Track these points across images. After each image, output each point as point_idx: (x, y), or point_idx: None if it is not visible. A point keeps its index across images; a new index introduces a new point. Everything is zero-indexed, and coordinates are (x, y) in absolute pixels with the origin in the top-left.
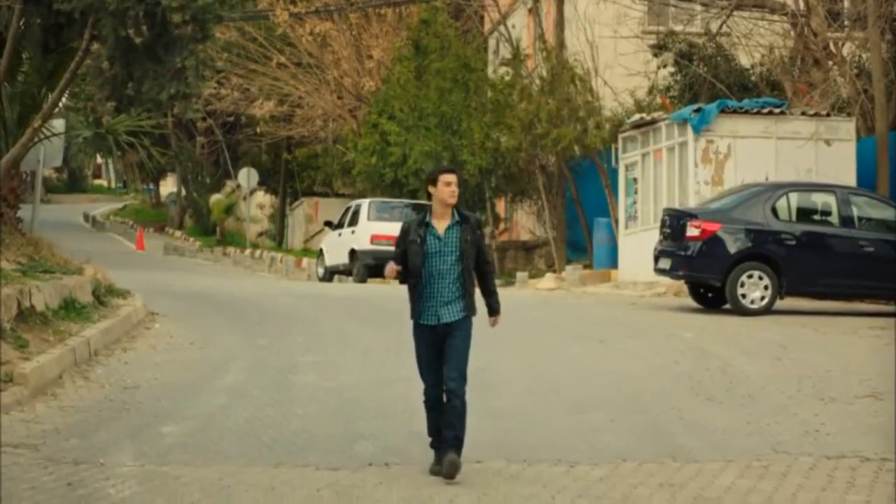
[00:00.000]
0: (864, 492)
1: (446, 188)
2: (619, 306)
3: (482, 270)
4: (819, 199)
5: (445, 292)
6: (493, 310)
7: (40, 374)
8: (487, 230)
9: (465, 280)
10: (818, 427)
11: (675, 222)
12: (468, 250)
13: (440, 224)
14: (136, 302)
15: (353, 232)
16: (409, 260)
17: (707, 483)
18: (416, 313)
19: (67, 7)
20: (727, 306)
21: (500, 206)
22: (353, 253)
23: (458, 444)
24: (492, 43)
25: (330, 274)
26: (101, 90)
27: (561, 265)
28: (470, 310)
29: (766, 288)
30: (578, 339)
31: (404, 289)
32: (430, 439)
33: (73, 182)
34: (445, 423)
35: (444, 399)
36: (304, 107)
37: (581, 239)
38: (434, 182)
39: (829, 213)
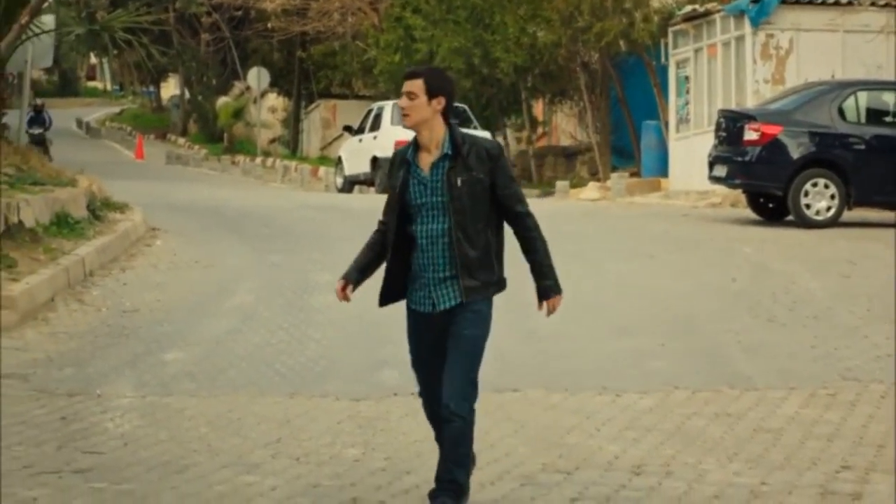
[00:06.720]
0: None
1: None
2: (669, 218)
3: (516, 228)
4: (891, 99)
5: (440, 264)
6: (545, 292)
7: (30, 296)
8: (524, 135)
9: (455, 246)
10: (890, 351)
11: (731, 125)
12: (460, 199)
13: (425, 160)
14: (136, 216)
15: (374, 137)
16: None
17: (768, 413)
18: (404, 294)
19: None
20: (789, 218)
21: (538, 109)
22: (375, 160)
23: (454, 491)
24: None
25: (350, 184)
26: None
27: (605, 173)
28: (470, 293)
29: (832, 197)
30: (625, 254)
31: None
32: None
33: (64, 85)
34: (441, 455)
35: (442, 417)
36: None
37: (628, 144)
38: None
39: None
